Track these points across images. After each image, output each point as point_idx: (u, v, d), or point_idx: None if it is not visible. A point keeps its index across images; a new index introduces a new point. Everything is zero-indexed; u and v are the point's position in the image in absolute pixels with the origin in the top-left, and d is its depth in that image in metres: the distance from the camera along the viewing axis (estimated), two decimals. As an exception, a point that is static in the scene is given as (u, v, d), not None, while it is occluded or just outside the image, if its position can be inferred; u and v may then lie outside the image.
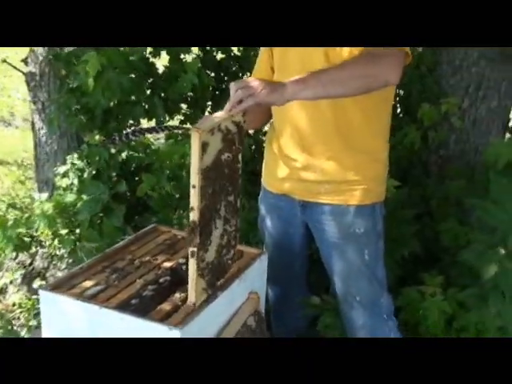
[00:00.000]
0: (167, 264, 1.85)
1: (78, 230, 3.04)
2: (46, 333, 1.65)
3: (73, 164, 3.13)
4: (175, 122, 3.27)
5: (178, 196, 2.95)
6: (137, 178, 3.30)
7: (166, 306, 1.62)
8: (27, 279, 3.29)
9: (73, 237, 3.04)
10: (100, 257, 1.86)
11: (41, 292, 1.62)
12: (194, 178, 1.48)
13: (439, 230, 2.50)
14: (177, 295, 1.67)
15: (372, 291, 2.01)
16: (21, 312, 2.99)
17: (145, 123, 3.23)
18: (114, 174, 3.14)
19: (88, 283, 1.70)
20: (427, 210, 2.66)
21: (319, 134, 1.88)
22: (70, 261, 3.26)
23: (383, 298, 2.04)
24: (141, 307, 1.62)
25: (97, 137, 3.07)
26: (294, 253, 2.17)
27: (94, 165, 3.06)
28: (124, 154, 3.26)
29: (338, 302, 2.10)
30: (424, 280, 2.35)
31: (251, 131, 3.22)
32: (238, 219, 1.74)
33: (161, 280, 1.75)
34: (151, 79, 2.93)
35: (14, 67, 3.17)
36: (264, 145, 3.29)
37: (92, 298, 1.62)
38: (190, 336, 1.51)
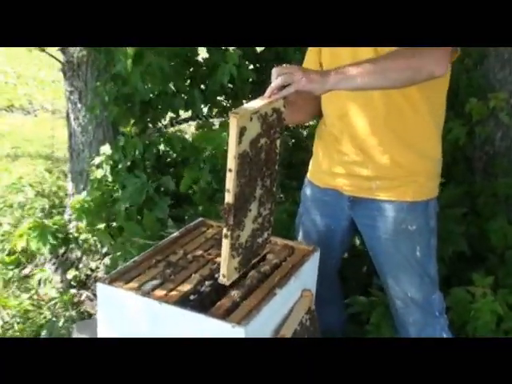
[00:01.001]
0: (221, 259, 1.82)
1: (114, 224, 3.02)
2: (103, 326, 1.63)
3: (107, 155, 3.11)
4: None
5: (216, 188, 2.91)
6: (172, 169, 3.28)
7: (225, 303, 1.58)
8: (61, 270, 3.29)
9: (110, 230, 3.02)
10: (152, 250, 1.83)
11: (99, 285, 1.60)
12: (231, 162, 1.48)
13: (487, 229, 2.44)
14: (235, 291, 1.64)
15: (424, 288, 1.98)
16: (56, 303, 2.98)
17: (183, 115, 3.20)
18: (149, 165, 3.12)
19: (144, 277, 1.67)
20: (473, 207, 2.60)
21: (371, 129, 1.85)
22: (103, 251, 3.26)
23: (435, 295, 2.01)
24: (200, 303, 1.60)
25: (133, 128, 3.04)
26: (332, 249, 2.14)
27: (130, 156, 3.04)
28: (160, 147, 3.23)
29: (389, 298, 2.08)
30: (472, 280, 2.30)
31: (291, 126, 3.18)
32: (274, 203, 1.75)
33: (216, 275, 1.72)
34: (191, 68, 2.88)
35: (52, 56, 3.14)
36: (304, 139, 3.32)
37: (150, 293, 1.60)
38: (252, 334, 1.48)
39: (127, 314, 1.58)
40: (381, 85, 1.64)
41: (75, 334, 2.27)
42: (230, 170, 1.49)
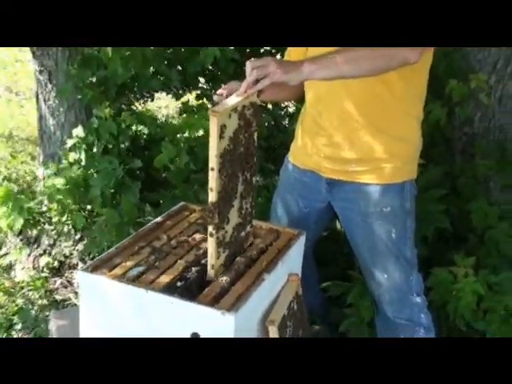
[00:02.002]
0: (206, 244, 1.77)
1: (89, 206, 2.94)
2: (86, 317, 1.57)
3: (80, 138, 3.02)
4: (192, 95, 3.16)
5: (194, 169, 2.85)
6: (146, 152, 3.20)
7: (213, 289, 1.54)
8: (33, 256, 3.20)
9: (84, 213, 2.94)
10: (134, 236, 1.77)
11: (81, 273, 1.54)
12: (213, 161, 1.49)
13: (468, 210, 2.45)
14: (222, 277, 1.60)
15: (400, 269, 1.99)
16: (29, 290, 2.90)
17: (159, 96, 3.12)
18: (124, 148, 3.04)
19: (128, 264, 1.61)
20: (453, 188, 2.60)
21: (348, 112, 1.86)
22: (77, 237, 3.18)
23: (412, 276, 2.02)
24: (187, 290, 1.55)
25: (107, 110, 2.95)
26: (307, 230, 2.09)
27: (104, 139, 2.95)
28: (133, 128, 3.15)
29: (366, 279, 2.10)
30: (454, 260, 2.31)
31: (270, 105, 3.14)
32: (253, 196, 1.76)
33: (202, 261, 1.67)
34: (171, 49, 2.80)
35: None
36: (283, 121, 3.28)
37: (135, 281, 1.54)
38: (242, 320, 1.45)
39: (111, 303, 1.52)
40: (356, 74, 1.65)
41: (52, 323, 2.20)
42: (213, 169, 1.49)
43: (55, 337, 2.01)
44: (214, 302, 1.48)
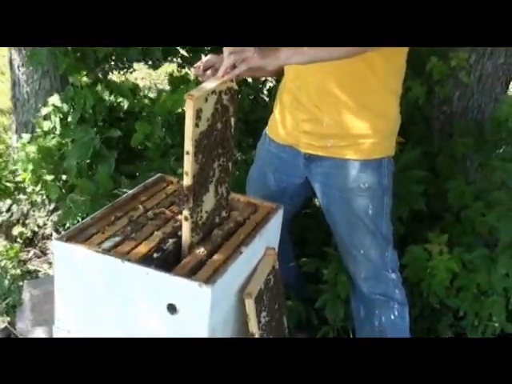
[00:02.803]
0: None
1: (64, 177, 2.89)
2: (60, 287, 1.55)
3: (55, 107, 2.94)
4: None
5: (170, 143, 2.81)
6: (123, 124, 3.14)
7: (190, 261, 1.53)
8: (5, 226, 3.14)
9: (58, 183, 2.88)
10: (110, 207, 1.74)
11: (56, 243, 1.51)
12: (188, 145, 1.49)
13: (446, 188, 2.46)
14: (199, 249, 1.59)
15: (376, 245, 2.01)
16: (2, 260, 2.85)
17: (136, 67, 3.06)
18: (101, 118, 2.98)
19: (103, 235, 1.59)
20: (431, 167, 2.61)
21: (326, 87, 1.86)
22: (51, 208, 3.13)
23: (388, 252, 2.04)
24: (164, 261, 1.54)
25: (84, 78, 2.88)
26: (281, 204, 2.11)
27: (79, 108, 2.88)
28: (111, 98, 3.08)
29: (342, 255, 2.11)
30: (428, 238, 2.32)
31: (250, 79, 3.10)
32: (230, 181, 1.77)
33: (179, 233, 1.65)
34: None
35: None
36: (262, 95, 3.24)
37: (110, 251, 1.52)
38: (218, 293, 1.44)
39: (87, 273, 1.50)
40: (335, 56, 1.66)
41: (25, 293, 2.17)
42: (188, 153, 1.50)
43: (28, 306, 1.98)
44: (191, 274, 1.47)
